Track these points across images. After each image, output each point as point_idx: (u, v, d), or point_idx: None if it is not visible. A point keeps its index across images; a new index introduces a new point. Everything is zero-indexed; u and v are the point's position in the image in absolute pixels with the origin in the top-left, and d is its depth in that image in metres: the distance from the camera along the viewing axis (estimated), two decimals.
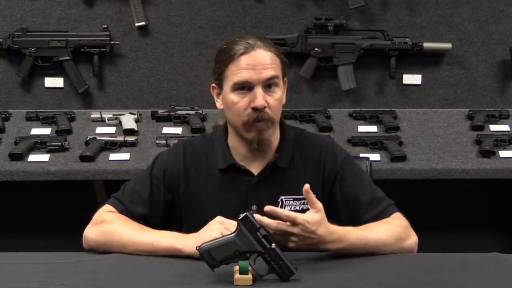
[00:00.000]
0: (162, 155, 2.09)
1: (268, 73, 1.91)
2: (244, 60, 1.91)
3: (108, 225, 1.94)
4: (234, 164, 2.01)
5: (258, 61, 1.91)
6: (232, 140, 2.02)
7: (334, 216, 1.97)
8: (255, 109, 1.91)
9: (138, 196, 2.02)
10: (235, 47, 1.93)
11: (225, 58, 1.95)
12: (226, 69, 1.94)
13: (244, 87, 1.92)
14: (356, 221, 1.93)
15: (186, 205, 2.04)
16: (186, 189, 2.03)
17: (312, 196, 1.78)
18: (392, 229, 1.92)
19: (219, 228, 1.79)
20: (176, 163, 2.04)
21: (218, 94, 2.00)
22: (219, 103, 2.01)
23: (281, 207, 1.97)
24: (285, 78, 2.02)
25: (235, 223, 1.73)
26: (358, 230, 1.87)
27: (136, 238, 1.88)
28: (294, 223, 1.77)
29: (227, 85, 1.95)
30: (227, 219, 1.82)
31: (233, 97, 1.94)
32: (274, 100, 1.93)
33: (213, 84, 2.01)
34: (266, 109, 1.91)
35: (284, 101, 2.02)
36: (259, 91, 1.91)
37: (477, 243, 3.60)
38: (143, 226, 1.95)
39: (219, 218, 1.83)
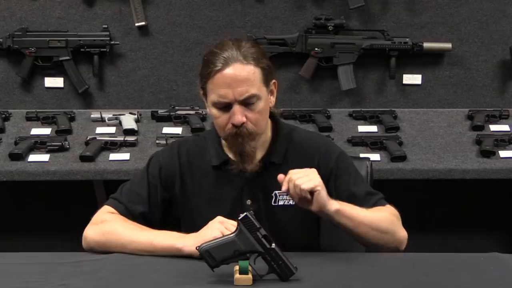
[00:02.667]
0: (157, 154, 2.10)
1: (244, 91, 1.90)
2: (220, 78, 1.91)
3: (108, 225, 1.94)
4: (228, 160, 2.02)
5: (234, 79, 1.90)
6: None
7: None
8: (234, 125, 1.92)
9: (136, 195, 2.02)
10: (212, 62, 1.92)
11: (205, 73, 1.94)
12: (206, 84, 1.95)
13: (224, 105, 1.93)
14: None
15: (183, 203, 2.05)
16: (182, 187, 2.04)
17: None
18: (385, 213, 1.96)
19: (220, 227, 1.80)
20: (171, 162, 2.05)
21: (207, 98, 2.00)
22: (209, 108, 2.00)
23: (275, 201, 2.00)
24: (273, 81, 2.01)
25: (235, 223, 1.74)
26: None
27: (135, 238, 1.89)
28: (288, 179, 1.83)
29: (209, 100, 1.96)
30: (227, 219, 1.83)
31: (214, 111, 1.95)
32: (254, 113, 1.93)
33: (201, 91, 2.00)
34: (246, 124, 1.92)
35: (272, 103, 2.02)
36: (236, 108, 1.91)
37: (477, 243, 3.59)
38: (143, 226, 1.95)
39: (219, 218, 1.84)
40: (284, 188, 1.83)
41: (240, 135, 1.93)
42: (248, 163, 1.99)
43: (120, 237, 1.90)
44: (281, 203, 2.00)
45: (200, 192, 2.03)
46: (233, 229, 1.74)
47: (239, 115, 1.90)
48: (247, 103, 1.92)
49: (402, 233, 1.97)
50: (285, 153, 2.03)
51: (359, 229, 1.90)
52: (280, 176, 1.85)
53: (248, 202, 1.99)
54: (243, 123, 1.91)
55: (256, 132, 1.95)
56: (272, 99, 2.03)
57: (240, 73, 1.91)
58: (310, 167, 2.00)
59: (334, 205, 1.86)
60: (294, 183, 1.82)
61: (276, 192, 2.00)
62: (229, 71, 1.90)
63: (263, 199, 1.99)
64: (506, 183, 3.19)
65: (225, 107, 1.92)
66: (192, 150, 2.07)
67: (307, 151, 2.04)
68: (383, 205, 2.01)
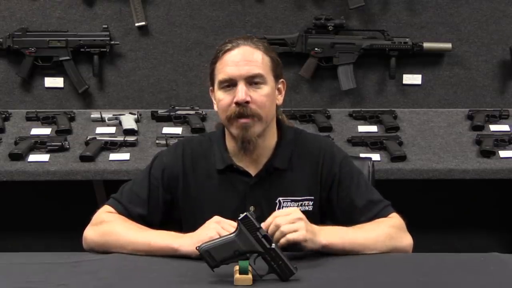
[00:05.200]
0: (161, 154, 2.09)
1: (251, 69, 1.92)
2: (228, 56, 1.94)
3: (107, 225, 1.94)
4: (232, 165, 2.01)
5: (242, 57, 1.93)
6: (228, 141, 2.02)
7: (330, 217, 1.97)
8: (237, 103, 1.91)
9: (136, 197, 2.02)
10: (224, 44, 1.96)
11: (213, 57, 1.97)
12: (214, 68, 1.97)
13: (230, 84, 1.93)
14: (352, 224, 1.93)
15: (185, 205, 2.04)
16: (185, 189, 2.03)
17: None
18: (383, 229, 1.92)
19: (216, 227, 1.79)
20: (174, 163, 2.04)
21: (215, 97, 2.01)
22: (216, 106, 2.01)
23: (279, 208, 1.97)
24: (281, 79, 2.02)
25: (232, 222, 1.75)
26: (344, 227, 1.89)
27: (133, 238, 1.88)
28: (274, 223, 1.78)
29: (216, 84, 1.97)
30: (224, 218, 1.82)
31: (219, 94, 1.95)
32: (259, 95, 1.93)
33: (211, 87, 2.03)
34: (250, 105, 1.91)
35: (279, 102, 2.02)
36: (241, 85, 1.91)
37: (477, 243, 3.60)
38: (142, 226, 1.95)
39: (216, 218, 1.83)
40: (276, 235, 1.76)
41: (242, 115, 1.91)
42: (248, 152, 1.96)
43: (118, 238, 1.90)
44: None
45: (203, 195, 2.01)
46: (230, 228, 1.74)
47: (242, 92, 1.90)
48: (252, 82, 1.92)
49: (405, 243, 1.94)
50: (290, 158, 2.02)
51: (354, 253, 1.86)
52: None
53: (251, 208, 1.96)
54: (247, 102, 1.90)
55: (260, 115, 1.93)
56: (280, 98, 2.03)
57: (248, 54, 1.93)
58: (314, 172, 2.01)
59: (321, 241, 1.81)
60: (280, 230, 1.76)
61: (280, 198, 1.99)
62: (238, 51, 1.93)
63: (266, 206, 1.95)
64: (506, 183, 3.19)
65: (230, 87, 1.93)
66: (197, 151, 2.05)
67: (311, 155, 2.03)
68: (387, 214, 1.98)
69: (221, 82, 1.94)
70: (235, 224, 1.72)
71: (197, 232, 1.83)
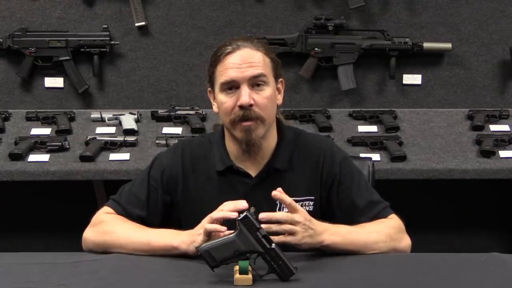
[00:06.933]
0: (161, 156, 2.09)
1: (254, 71, 1.92)
2: (230, 59, 1.93)
3: (106, 225, 1.94)
4: (232, 166, 2.01)
5: (243, 59, 1.92)
6: (229, 142, 2.02)
7: (330, 217, 1.97)
8: (241, 107, 1.91)
9: (135, 198, 2.02)
10: (224, 46, 1.96)
11: (213, 60, 1.97)
12: (215, 70, 1.96)
13: (232, 86, 1.93)
14: (352, 224, 1.93)
15: (184, 207, 2.04)
16: (184, 190, 2.03)
17: (288, 201, 1.81)
18: (383, 229, 1.93)
19: (205, 225, 1.79)
20: (174, 165, 2.04)
21: (214, 98, 2.01)
22: (215, 107, 2.01)
23: (279, 209, 1.96)
24: (280, 79, 2.03)
25: (224, 213, 1.76)
26: (347, 226, 1.89)
27: (133, 237, 1.89)
28: (295, 210, 1.79)
29: (217, 86, 1.96)
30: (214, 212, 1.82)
31: (222, 97, 1.95)
32: (262, 98, 1.93)
33: (209, 88, 2.02)
34: (254, 107, 1.91)
35: (279, 101, 2.02)
36: (244, 89, 1.91)
37: (477, 243, 3.60)
38: (141, 226, 1.95)
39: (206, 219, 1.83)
40: (266, 226, 1.76)
41: (247, 118, 1.91)
42: (253, 154, 1.97)
43: (118, 237, 1.90)
44: (285, 210, 1.94)
45: (203, 196, 2.01)
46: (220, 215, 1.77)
47: (246, 96, 1.90)
48: (255, 84, 1.92)
49: (404, 244, 1.95)
50: (290, 158, 2.02)
51: (355, 252, 1.87)
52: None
53: (252, 209, 1.96)
54: (251, 105, 1.90)
55: (263, 117, 1.93)
56: (280, 97, 2.03)
57: (249, 56, 1.93)
58: (314, 172, 2.01)
59: (324, 241, 1.82)
60: (276, 230, 1.77)
61: None
62: (239, 53, 1.93)
63: (267, 207, 1.92)
64: (506, 183, 3.19)
65: (233, 89, 1.92)
66: (196, 153, 2.05)
67: (312, 156, 2.03)
68: (386, 215, 1.99)
69: (223, 85, 1.94)
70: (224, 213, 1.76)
71: (196, 228, 1.82)
